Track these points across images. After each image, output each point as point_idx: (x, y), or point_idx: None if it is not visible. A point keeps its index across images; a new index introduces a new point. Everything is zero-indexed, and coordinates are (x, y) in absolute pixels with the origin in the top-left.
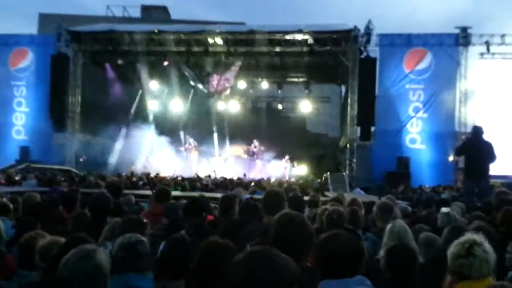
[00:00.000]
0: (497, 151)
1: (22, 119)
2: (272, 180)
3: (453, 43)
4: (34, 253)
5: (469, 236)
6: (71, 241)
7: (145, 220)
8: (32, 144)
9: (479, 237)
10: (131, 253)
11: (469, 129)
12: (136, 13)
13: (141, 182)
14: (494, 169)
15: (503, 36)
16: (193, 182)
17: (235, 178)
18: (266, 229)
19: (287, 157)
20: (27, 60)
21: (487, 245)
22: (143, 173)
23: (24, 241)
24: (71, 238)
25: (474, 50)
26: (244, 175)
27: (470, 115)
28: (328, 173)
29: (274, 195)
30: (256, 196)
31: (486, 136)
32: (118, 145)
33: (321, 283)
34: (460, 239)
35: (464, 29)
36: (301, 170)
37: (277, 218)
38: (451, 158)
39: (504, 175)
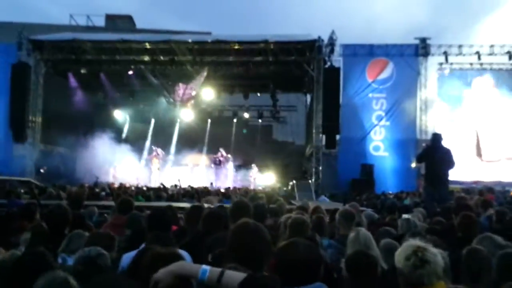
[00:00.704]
0: (456, 157)
1: None
2: (239, 188)
3: (413, 53)
4: None
5: (412, 243)
6: (27, 255)
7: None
8: None
9: (420, 242)
10: (90, 266)
11: (429, 137)
12: (100, 22)
13: (103, 193)
14: (454, 175)
15: (460, 46)
16: (159, 192)
17: (201, 187)
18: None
19: (253, 165)
20: None
21: (433, 249)
22: (105, 184)
23: None
24: (28, 253)
25: (433, 60)
26: (211, 183)
27: (430, 122)
28: (294, 181)
29: (240, 205)
30: (224, 205)
31: (445, 143)
32: (80, 155)
33: None
34: (405, 248)
35: (423, 40)
36: (268, 178)
37: (233, 228)
38: (413, 165)
39: (463, 181)
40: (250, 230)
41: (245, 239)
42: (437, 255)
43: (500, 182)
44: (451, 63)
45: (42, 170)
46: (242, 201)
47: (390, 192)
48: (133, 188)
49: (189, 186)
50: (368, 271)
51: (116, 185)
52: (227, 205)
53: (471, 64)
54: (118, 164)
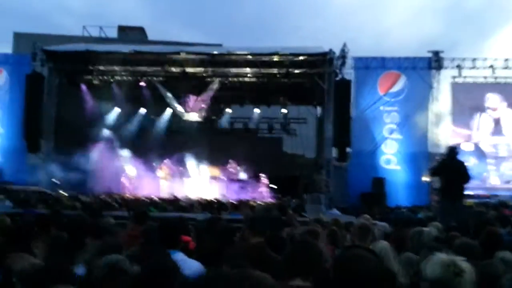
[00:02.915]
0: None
1: None
2: (249, 200)
3: (425, 67)
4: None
5: (441, 255)
6: (49, 264)
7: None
8: (5, 165)
9: (455, 256)
10: (114, 271)
11: (442, 150)
12: (112, 33)
13: (116, 204)
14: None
15: (474, 60)
16: (171, 203)
17: (213, 199)
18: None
19: (264, 176)
20: (1, 79)
21: (466, 263)
22: (118, 194)
23: (8, 263)
24: (49, 262)
25: (446, 73)
26: (223, 196)
27: (443, 136)
28: (305, 194)
29: (259, 219)
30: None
31: (459, 157)
32: (93, 166)
33: None
34: (439, 259)
35: (436, 53)
36: (278, 190)
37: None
38: (424, 179)
39: (476, 194)
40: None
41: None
42: (470, 270)
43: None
44: (465, 77)
45: (55, 180)
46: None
47: (403, 206)
48: (145, 199)
49: (201, 198)
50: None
51: (128, 195)
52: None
53: (485, 77)
54: (129, 174)
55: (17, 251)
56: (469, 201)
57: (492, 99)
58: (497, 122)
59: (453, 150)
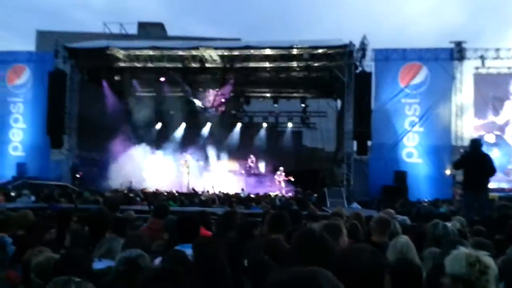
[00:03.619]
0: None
1: (19, 135)
2: (269, 195)
3: (448, 58)
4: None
5: (465, 250)
6: (65, 258)
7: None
8: (29, 160)
9: (477, 252)
10: (132, 267)
11: (465, 143)
12: (133, 29)
13: (138, 198)
14: (491, 182)
15: (497, 50)
16: (191, 197)
17: (232, 193)
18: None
19: (281, 169)
20: (24, 76)
21: (490, 258)
22: (139, 189)
23: (27, 258)
24: (65, 255)
25: (469, 64)
26: (242, 190)
27: (466, 128)
28: (326, 188)
29: (279, 217)
30: (253, 211)
31: (484, 149)
32: (114, 161)
33: None
34: (464, 255)
35: (458, 44)
36: (298, 184)
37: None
38: (448, 172)
39: (501, 187)
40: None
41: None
42: (494, 265)
43: None
44: (488, 67)
45: (78, 175)
46: (280, 214)
47: (425, 199)
48: (165, 193)
49: (220, 192)
50: (413, 280)
51: (149, 190)
52: (256, 211)
53: (509, 68)
54: (150, 169)
55: (37, 245)
56: (493, 194)
57: None
58: None
59: (476, 142)
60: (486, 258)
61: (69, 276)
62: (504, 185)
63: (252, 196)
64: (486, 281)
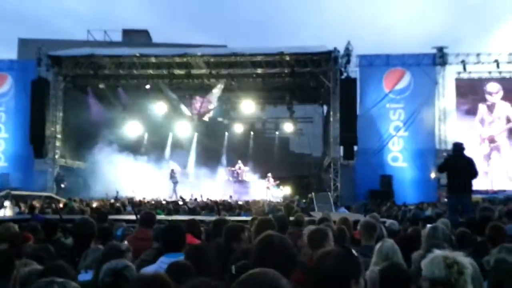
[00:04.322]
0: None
1: (2, 145)
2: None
3: (430, 63)
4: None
5: (441, 252)
6: (49, 269)
7: (124, 247)
8: (12, 171)
9: (454, 253)
10: (118, 278)
11: (449, 146)
12: (117, 37)
13: (128, 208)
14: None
15: (478, 55)
16: (178, 206)
17: (220, 200)
18: (246, 252)
19: (269, 175)
20: (6, 85)
21: (466, 258)
22: (126, 198)
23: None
24: (49, 266)
25: (451, 69)
26: (230, 197)
27: (450, 132)
28: (313, 193)
29: (265, 223)
30: (242, 218)
31: (466, 152)
32: (100, 170)
33: None
34: (441, 257)
35: (440, 49)
36: (286, 190)
37: (258, 241)
38: (433, 175)
39: (484, 190)
40: (275, 243)
41: (270, 252)
42: (471, 265)
43: None
44: (469, 72)
45: (62, 185)
46: (267, 220)
47: (410, 203)
48: (152, 202)
49: (208, 199)
50: (402, 284)
51: (136, 199)
52: (245, 218)
53: (489, 72)
54: (137, 177)
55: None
56: (477, 196)
57: (491, 87)
58: (491, 109)
59: (459, 146)
60: (463, 259)
61: (52, 278)
62: (488, 188)
63: (241, 202)
64: (464, 282)
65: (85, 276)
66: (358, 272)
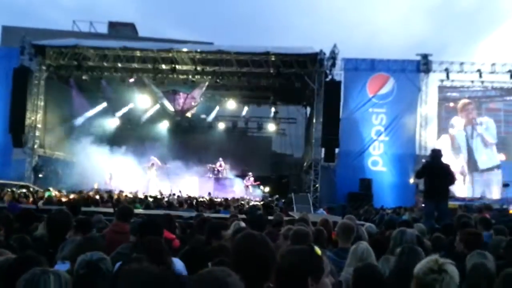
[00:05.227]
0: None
1: None
2: (237, 199)
3: (414, 70)
4: None
5: (435, 255)
6: (22, 258)
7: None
8: None
9: (441, 259)
10: (93, 270)
11: (428, 152)
12: (103, 29)
13: (102, 200)
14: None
15: (461, 64)
16: (157, 200)
17: (199, 196)
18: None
19: (250, 174)
20: None
21: (452, 266)
22: (105, 191)
23: None
24: (22, 256)
25: (434, 77)
26: (209, 193)
27: (430, 138)
28: (293, 193)
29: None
30: (221, 215)
31: (444, 159)
32: (80, 162)
33: None
34: (430, 257)
35: (425, 56)
36: (265, 189)
37: (238, 238)
38: (411, 180)
39: (461, 197)
40: (256, 240)
41: (250, 249)
42: (455, 272)
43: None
44: (452, 80)
45: (40, 175)
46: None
47: (388, 207)
48: (131, 195)
49: (187, 195)
50: (376, 285)
51: (115, 192)
52: (224, 215)
53: (472, 81)
54: (116, 171)
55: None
56: (454, 203)
57: (463, 106)
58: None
59: (437, 153)
60: (448, 265)
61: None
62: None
63: (219, 200)
64: (433, 280)
65: (62, 266)
66: (318, 271)
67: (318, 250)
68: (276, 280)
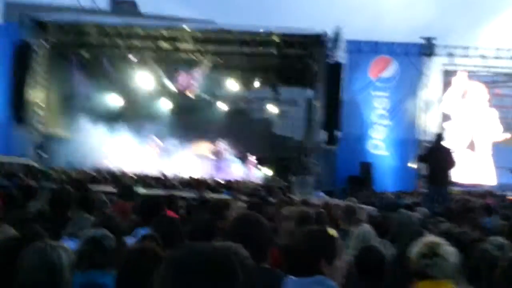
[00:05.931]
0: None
1: None
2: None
3: (417, 53)
4: None
5: (431, 237)
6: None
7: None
8: None
9: (440, 239)
10: (96, 248)
11: (429, 137)
12: (105, 5)
13: (104, 179)
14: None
15: (465, 48)
16: (160, 180)
17: (201, 177)
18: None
19: (253, 157)
20: None
21: (449, 247)
22: (106, 169)
23: None
24: (24, 234)
25: (437, 61)
26: (210, 174)
27: (432, 123)
28: (294, 176)
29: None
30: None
31: (445, 143)
32: (81, 140)
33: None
34: (422, 240)
35: (428, 40)
36: (267, 171)
37: (234, 219)
38: (413, 165)
39: (462, 183)
40: (251, 221)
41: (246, 229)
42: (451, 254)
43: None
44: (456, 65)
45: (42, 154)
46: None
47: (389, 191)
48: (134, 175)
49: (190, 176)
50: (377, 266)
51: (117, 171)
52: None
53: (475, 66)
54: (116, 149)
55: None
56: (456, 189)
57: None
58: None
59: (439, 137)
60: (441, 249)
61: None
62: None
63: (221, 181)
64: (425, 265)
65: (68, 243)
66: (331, 253)
67: (332, 232)
68: (288, 261)
